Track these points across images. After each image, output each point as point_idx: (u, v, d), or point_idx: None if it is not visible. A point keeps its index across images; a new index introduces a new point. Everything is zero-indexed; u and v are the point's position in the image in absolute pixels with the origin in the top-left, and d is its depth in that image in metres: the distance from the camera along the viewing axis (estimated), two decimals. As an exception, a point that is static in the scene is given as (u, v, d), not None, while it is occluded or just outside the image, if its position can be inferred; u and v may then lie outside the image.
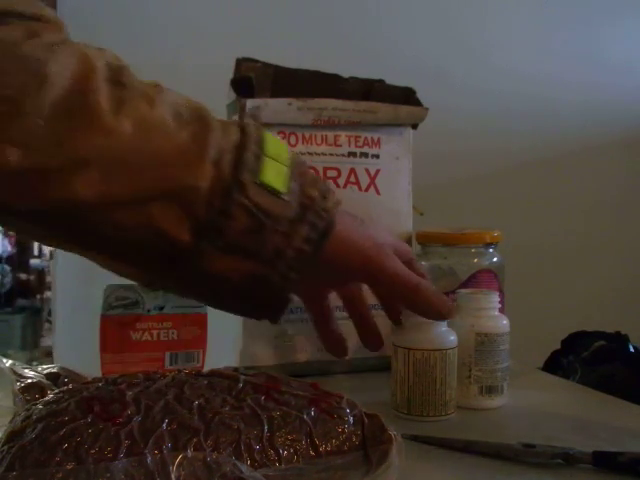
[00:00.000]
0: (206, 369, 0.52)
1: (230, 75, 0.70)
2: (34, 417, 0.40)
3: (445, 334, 0.56)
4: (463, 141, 1.55)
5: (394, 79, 0.76)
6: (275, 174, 0.45)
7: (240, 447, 0.39)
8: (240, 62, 0.70)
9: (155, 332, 0.63)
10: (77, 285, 0.61)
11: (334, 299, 0.59)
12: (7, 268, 3.45)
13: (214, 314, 0.65)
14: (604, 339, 1.12)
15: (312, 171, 0.49)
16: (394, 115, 0.74)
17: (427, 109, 0.75)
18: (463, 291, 0.63)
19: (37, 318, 3.18)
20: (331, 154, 0.72)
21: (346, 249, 0.48)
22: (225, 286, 0.46)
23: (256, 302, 0.48)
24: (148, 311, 0.63)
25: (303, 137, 0.72)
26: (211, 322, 0.65)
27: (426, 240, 0.73)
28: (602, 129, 1.73)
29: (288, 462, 0.40)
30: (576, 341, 1.15)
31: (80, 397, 0.41)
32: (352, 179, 0.73)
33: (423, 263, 0.73)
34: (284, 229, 0.44)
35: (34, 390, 0.48)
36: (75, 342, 0.63)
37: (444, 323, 0.56)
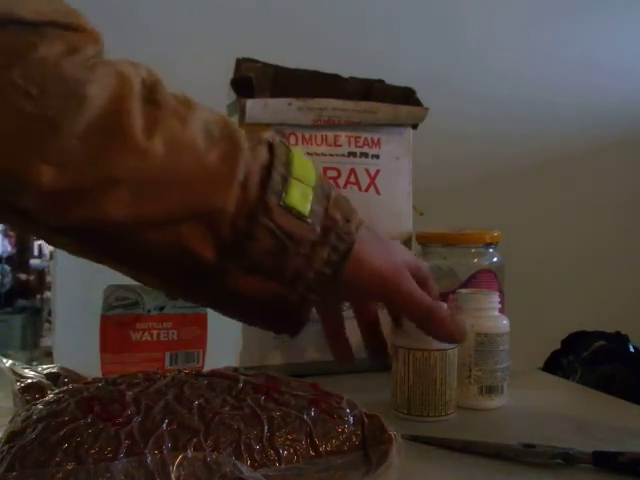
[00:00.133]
0: (206, 369, 0.52)
1: (230, 75, 0.70)
2: (34, 417, 0.40)
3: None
4: (463, 142, 1.56)
5: (394, 81, 0.76)
6: (300, 196, 0.45)
7: (240, 447, 0.39)
8: (240, 62, 0.70)
9: (155, 332, 0.63)
10: (77, 285, 0.61)
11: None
12: (7, 268, 3.45)
13: (214, 314, 0.65)
14: (604, 339, 1.12)
15: (337, 191, 0.50)
16: (394, 115, 0.74)
17: (427, 109, 0.75)
18: (463, 291, 0.63)
19: (37, 318, 3.18)
20: (331, 154, 0.72)
21: (363, 270, 0.49)
22: (245, 303, 0.47)
23: (275, 319, 0.49)
24: (148, 311, 0.63)
25: (303, 137, 0.72)
26: (211, 322, 0.65)
27: (426, 240, 0.73)
28: (601, 131, 1.74)
29: (288, 462, 0.40)
30: (576, 341, 1.15)
31: (80, 397, 0.41)
32: (352, 179, 0.73)
33: (423, 263, 0.73)
34: (306, 251, 0.45)
35: (34, 390, 0.48)
36: (75, 342, 0.63)
37: None
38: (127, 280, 0.49)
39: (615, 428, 0.55)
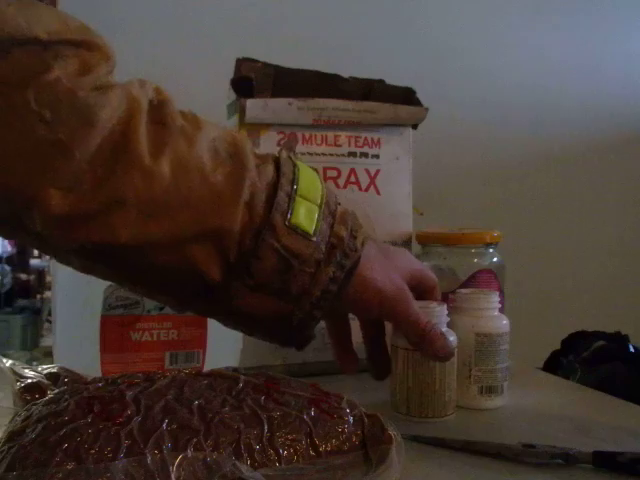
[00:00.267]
0: (206, 369, 0.52)
1: (230, 75, 0.70)
2: (34, 417, 0.40)
3: (445, 335, 0.56)
4: (463, 142, 1.56)
5: (394, 80, 0.76)
6: (305, 214, 0.46)
7: (240, 447, 0.39)
8: (240, 62, 0.70)
9: (155, 332, 0.63)
10: (77, 285, 0.61)
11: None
12: (7, 268, 3.45)
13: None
14: (604, 339, 1.12)
15: (343, 207, 0.50)
16: (394, 115, 0.74)
17: (427, 109, 0.75)
18: (463, 291, 0.63)
19: (37, 318, 3.18)
20: (331, 154, 0.72)
21: (366, 290, 0.50)
22: (251, 320, 0.48)
23: (281, 335, 0.50)
24: (148, 311, 0.63)
25: (303, 137, 0.72)
26: (211, 322, 0.65)
27: (426, 240, 0.73)
28: (601, 132, 1.74)
29: (288, 462, 0.40)
30: (576, 341, 1.15)
31: (80, 397, 0.41)
32: (352, 179, 0.73)
33: (423, 263, 0.73)
34: (311, 270, 0.46)
35: (34, 390, 0.48)
36: (75, 342, 0.63)
37: (444, 324, 0.56)
38: (122, 286, 0.49)
39: (615, 428, 0.55)
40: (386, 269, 0.51)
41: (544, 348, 1.16)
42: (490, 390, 0.59)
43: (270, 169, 0.46)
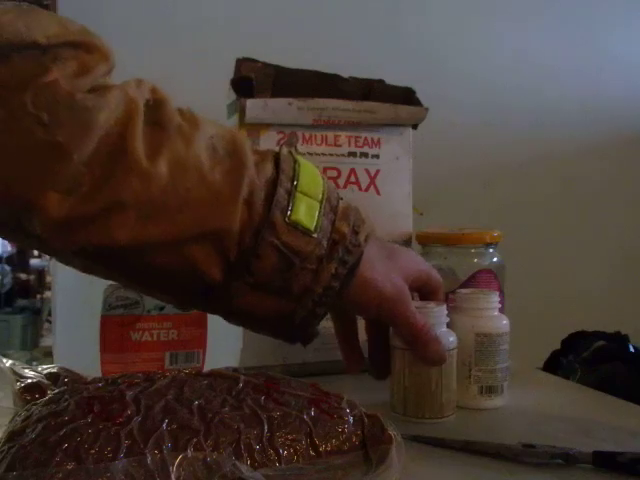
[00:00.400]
0: (206, 369, 0.52)
1: (230, 75, 0.70)
2: (34, 417, 0.40)
3: (443, 335, 0.56)
4: (463, 142, 1.55)
5: (395, 79, 0.76)
6: (306, 211, 0.45)
7: (240, 447, 0.39)
8: (240, 62, 0.70)
9: (155, 332, 0.63)
10: (77, 285, 0.61)
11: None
12: (7, 268, 3.45)
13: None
14: (604, 339, 1.12)
15: (345, 202, 0.50)
16: (394, 115, 0.74)
17: (427, 109, 0.75)
18: (463, 291, 0.63)
19: (37, 318, 3.18)
20: (331, 154, 0.72)
21: (365, 289, 0.49)
22: (253, 319, 0.48)
23: (285, 333, 0.50)
24: (148, 311, 0.63)
25: (303, 137, 0.72)
26: (211, 322, 0.65)
27: (426, 240, 0.73)
28: (602, 131, 1.73)
29: (288, 462, 0.40)
30: (576, 341, 1.15)
31: (80, 397, 0.41)
32: (352, 179, 0.73)
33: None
34: (313, 267, 0.45)
35: (34, 390, 0.48)
36: (75, 342, 0.63)
37: (443, 324, 0.56)
38: (123, 286, 0.49)
39: (615, 428, 0.55)
40: (387, 269, 0.51)
41: (544, 348, 1.16)
42: (490, 390, 0.59)
43: (269, 166, 0.46)
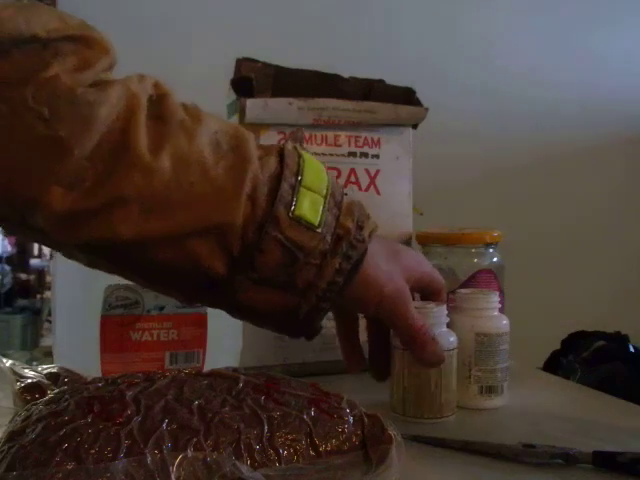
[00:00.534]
0: (206, 369, 0.52)
1: (230, 75, 0.70)
2: (34, 417, 0.40)
3: (443, 335, 0.56)
4: (463, 141, 1.55)
5: (394, 80, 0.76)
6: (310, 206, 0.45)
7: (240, 447, 0.39)
8: (240, 62, 0.70)
9: (155, 332, 0.63)
10: (77, 285, 0.61)
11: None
12: (7, 268, 3.45)
13: (214, 314, 0.65)
14: (604, 339, 1.12)
15: (350, 197, 0.50)
16: (394, 115, 0.74)
17: (427, 109, 0.75)
18: (463, 291, 0.63)
19: (37, 318, 3.18)
20: (331, 154, 0.72)
21: (366, 287, 0.49)
22: (257, 314, 0.48)
23: (289, 328, 0.50)
24: (148, 311, 0.63)
25: (303, 137, 0.71)
26: (211, 322, 0.65)
27: (426, 240, 0.73)
28: (603, 130, 1.73)
29: (288, 462, 0.40)
30: (576, 341, 1.15)
31: (80, 397, 0.41)
32: (352, 179, 0.73)
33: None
34: (317, 262, 0.45)
35: (34, 390, 0.48)
36: (75, 342, 0.63)
37: (443, 324, 0.56)
38: (128, 280, 0.49)
39: (615, 428, 0.55)
40: (390, 269, 0.51)
41: (544, 348, 1.16)
42: (490, 390, 0.59)
43: (273, 161, 0.46)
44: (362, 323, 0.59)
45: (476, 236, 0.71)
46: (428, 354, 0.53)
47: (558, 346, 1.17)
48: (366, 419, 0.44)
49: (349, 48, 1.44)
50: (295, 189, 0.45)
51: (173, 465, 0.36)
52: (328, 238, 0.46)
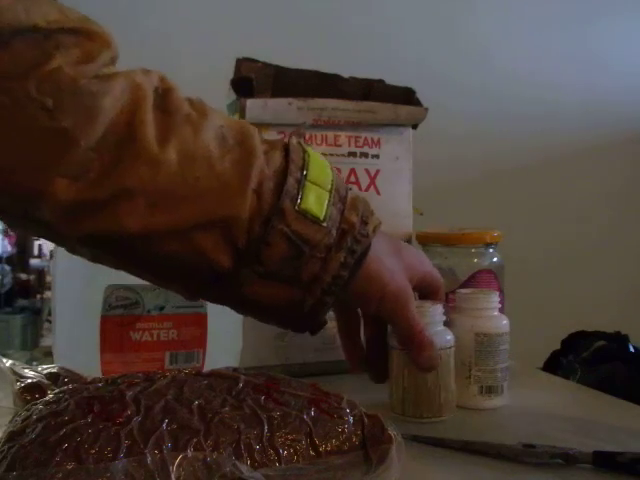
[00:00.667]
0: (206, 369, 0.52)
1: (230, 75, 0.70)
2: (34, 417, 0.40)
3: (440, 334, 0.56)
4: (463, 142, 1.56)
5: (394, 81, 0.76)
6: (315, 200, 0.45)
7: (240, 447, 0.39)
8: (240, 62, 0.70)
9: (155, 332, 0.63)
10: (77, 285, 0.61)
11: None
12: (7, 268, 3.45)
13: (214, 314, 0.65)
14: (604, 339, 1.12)
15: (354, 192, 0.50)
16: (394, 115, 0.74)
17: (427, 109, 0.75)
18: (463, 291, 0.63)
19: (37, 318, 3.18)
20: (331, 154, 0.72)
21: (370, 282, 0.49)
22: (263, 308, 0.47)
23: (293, 322, 0.49)
24: (148, 311, 0.63)
25: (303, 137, 0.72)
26: (211, 322, 0.65)
27: (426, 240, 0.73)
28: (602, 130, 1.74)
29: (288, 462, 0.40)
30: (576, 341, 1.15)
31: (80, 397, 0.41)
32: (352, 179, 0.73)
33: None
34: (322, 255, 0.45)
35: (34, 390, 0.48)
36: (75, 342, 0.63)
37: (439, 323, 0.56)
38: (127, 280, 0.49)
39: (615, 428, 0.55)
40: (394, 266, 0.51)
41: (544, 348, 1.16)
42: (490, 390, 0.59)
43: (278, 155, 0.46)
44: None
45: (476, 236, 0.71)
46: (423, 358, 0.53)
47: (558, 346, 1.17)
48: (366, 419, 0.44)
49: (349, 48, 1.44)
50: (301, 183, 0.45)
51: (173, 465, 0.36)
52: (333, 232, 0.46)
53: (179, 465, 0.36)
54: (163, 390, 0.43)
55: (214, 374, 0.47)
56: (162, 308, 0.63)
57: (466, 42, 1.60)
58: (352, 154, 0.73)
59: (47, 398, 0.43)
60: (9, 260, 3.49)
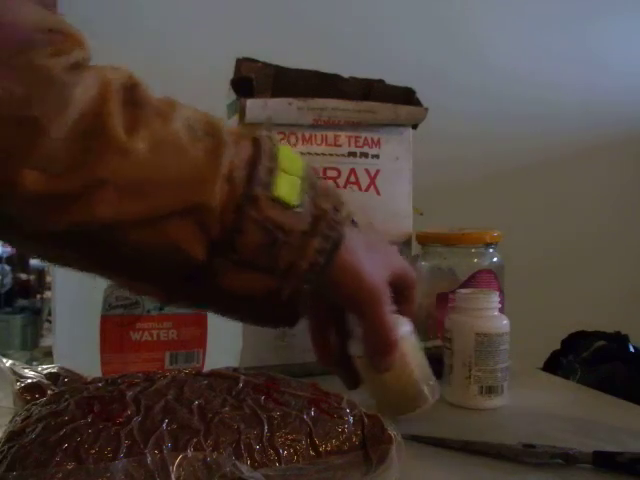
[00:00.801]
0: (206, 369, 0.52)
1: (230, 75, 0.70)
2: (34, 417, 0.40)
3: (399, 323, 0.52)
4: (463, 142, 1.56)
5: (394, 81, 0.76)
6: (288, 187, 0.45)
7: (240, 447, 0.39)
8: (240, 62, 0.70)
9: (155, 332, 0.63)
10: (77, 285, 0.61)
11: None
12: (7, 268, 3.44)
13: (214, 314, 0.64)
14: (604, 339, 1.12)
15: (325, 182, 0.50)
16: (394, 115, 0.74)
17: (427, 109, 0.75)
18: (463, 291, 0.63)
19: (37, 318, 3.17)
20: (331, 154, 0.72)
21: (344, 272, 0.48)
22: (240, 301, 0.47)
23: (271, 314, 0.49)
24: (148, 311, 0.63)
25: (303, 137, 0.72)
26: (211, 322, 0.65)
27: (426, 240, 0.73)
28: (602, 130, 1.74)
29: (288, 462, 0.40)
30: (576, 341, 1.15)
31: (80, 397, 0.41)
32: (352, 179, 0.73)
33: (423, 263, 0.73)
34: (297, 242, 0.45)
35: (34, 390, 0.48)
36: (75, 342, 0.63)
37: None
38: (102, 276, 0.48)
39: (615, 428, 0.55)
40: (369, 259, 0.50)
41: (544, 348, 1.16)
42: (490, 390, 0.59)
43: (249, 145, 0.45)
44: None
45: (476, 236, 0.71)
46: (385, 364, 0.52)
47: (558, 346, 1.17)
48: (366, 419, 0.44)
49: (349, 48, 1.44)
50: (272, 171, 0.45)
51: (173, 465, 0.36)
52: (307, 218, 0.46)
53: (179, 465, 0.36)
54: (163, 390, 0.43)
55: (214, 374, 0.47)
56: (162, 308, 0.63)
57: (466, 42, 1.60)
58: (352, 154, 0.73)
59: (47, 398, 0.43)
60: (9, 260, 3.49)
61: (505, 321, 0.61)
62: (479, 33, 1.62)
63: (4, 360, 0.53)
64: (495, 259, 0.71)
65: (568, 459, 0.46)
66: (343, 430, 0.43)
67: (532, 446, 0.48)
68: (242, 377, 0.46)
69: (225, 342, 0.66)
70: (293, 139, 0.71)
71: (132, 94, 0.43)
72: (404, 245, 0.75)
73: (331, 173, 0.72)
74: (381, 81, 0.76)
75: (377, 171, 0.74)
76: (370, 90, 0.74)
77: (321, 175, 0.49)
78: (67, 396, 0.42)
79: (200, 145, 0.43)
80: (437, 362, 0.61)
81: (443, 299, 0.68)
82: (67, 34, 0.42)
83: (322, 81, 0.73)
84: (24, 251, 0.45)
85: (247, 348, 0.69)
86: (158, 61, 1.29)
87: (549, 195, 1.68)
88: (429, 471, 0.46)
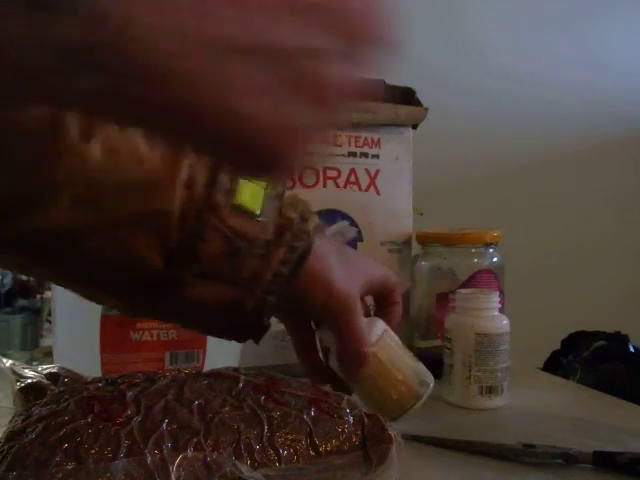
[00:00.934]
0: (206, 369, 0.52)
1: (230, 75, 0.70)
2: (34, 417, 0.40)
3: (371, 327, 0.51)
4: (463, 142, 1.55)
5: (394, 82, 0.76)
6: (250, 195, 0.44)
7: (240, 447, 0.39)
8: (240, 62, 0.70)
9: (155, 332, 0.63)
10: (77, 285, 0.61)
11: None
12: (7, 268, 3.44)
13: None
14: (604, 339, 1.12)
15: (292, 192, 0.48)
16: (394, 115, 0.74)
17: (427, 109, 0.75)
18: (463, 291, 0.63)
19: (37, 318, 3.18)
20: (331, 154, 0.72)
21: (314, 281, 0.47)
22: (203, 312, 0.45)
23: (236, 326, 0.47)
24: (148, 311, 0.63)
25: (303, 137, 0.71)
26: (211, 322, 0.65)
27: (426, 240, 0.73)
28: (602, 130, 1.73)
29: (288, 462, 0.40)
30: (576, 341, 1.15)
31: (80, 397, 0.41)
32: (352, 179, 0.73)
33: (423, 263, 0.73)
34: (261, 252, 0.44)
35: (34, 390, 0.48)
36: (75, 342, 0.63)
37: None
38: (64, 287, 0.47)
39: (615, 428, 0.55)
40: (341, 269, 0.49)
41: (544, 348, 1.16)
42: (490, 390, 0.59)
43: None
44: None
45: (476, 236, 0.71)
46: (354, 376, 0.50)
47: (558, 346, 1.17)
48: (366, 419, 0.44)
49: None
50: (234, 178, 0.43)
51: (173, 465, 0.36)
52: (270, 228, 0.44)
53: (179, 465, 0.36)
54: (163, 390, 0.43)
55: (214, 374, 0.47)
56: (162, 308, 0.63)
57: (466, 42, 1.60)
58: (352, 154, 0.73)
59: (47, 398, 0.43)
60: (9, 260, 3.49)
61: (505, 321, 0.61)
62: (479, 33, 1.62)
63: (4, 360, 0.53)
64: (495, 259, 0.71)
65: (568, 459, 0.46)
66: (343, 430, 0.43)
67: (532, 446, 0.48)
68: (242, 377, 0.46)
69: (225, 342, 0.66)
70: (293, 139, 0.71)
71: None
72: (404, 245, 0.75)
73: (331, 173, 0.72)
74: (381, 81, 0.76)
75: (377, 171, 0.74)
76: (370, 90, 0.74)
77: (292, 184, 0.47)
78: (67, 396, 0.42)
79: (158, 150, 0.42)
80: (437, 362, 0.61)
81: (443, 299, 0.68)
82: None
83: (322, 81, 0.73)
84: None
85: (247, 348, 0.69)
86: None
87: (549, 195, 1.68)
88: (429, 471, 0.46)
